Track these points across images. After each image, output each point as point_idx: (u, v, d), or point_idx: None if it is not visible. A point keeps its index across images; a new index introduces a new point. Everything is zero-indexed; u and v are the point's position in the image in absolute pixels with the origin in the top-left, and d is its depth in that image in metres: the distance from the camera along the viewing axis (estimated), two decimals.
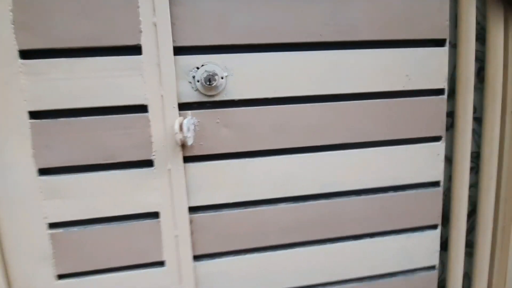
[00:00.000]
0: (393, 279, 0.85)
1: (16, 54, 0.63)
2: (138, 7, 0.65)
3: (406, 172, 0.81)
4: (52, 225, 0.69)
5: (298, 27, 0.71)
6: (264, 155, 0.74)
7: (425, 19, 0.76)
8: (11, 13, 0.62)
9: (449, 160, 0.86)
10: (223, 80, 0.69)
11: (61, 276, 0.71)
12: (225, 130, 0.72)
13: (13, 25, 0.62)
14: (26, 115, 0.64)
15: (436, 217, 0.86)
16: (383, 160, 0.79)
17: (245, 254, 0.77)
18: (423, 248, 0.86)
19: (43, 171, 0.67)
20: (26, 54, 0.63)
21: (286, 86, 0.72)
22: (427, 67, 0.78)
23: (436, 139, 0.82)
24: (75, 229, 0.70)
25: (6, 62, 0.63)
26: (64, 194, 0.68)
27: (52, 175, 0.67)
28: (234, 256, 0.77)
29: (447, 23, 0.77)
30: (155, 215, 0.72)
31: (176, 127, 0.62)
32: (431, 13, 0.76)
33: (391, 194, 0.81)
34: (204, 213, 0.74)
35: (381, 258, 0.84)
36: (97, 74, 0.66)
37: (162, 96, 0.67)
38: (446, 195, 0.88)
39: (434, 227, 0.86)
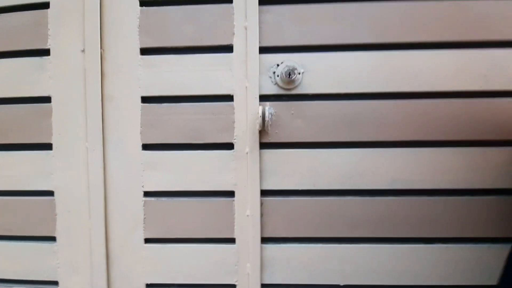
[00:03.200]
0: None
1: (138, 51, 0.79)
2: (233, 13, 0.78)
3: (485, 176, 0.77)
4: (146, 194, 0.81)
5: (369, 28, 0.77)
6: (334, 146, 0.78)
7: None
8: (138, 20, 0.79)
9: None
10: (299, 75, 0.77)
11: (147, 240, 0.81)
12: (298, 121, 0.78)
13: (138, 29, 0.79)
14: (139, 99, 0.80)
15: None
16: (459, 161, 0.77)
17: (309, 243, 0.80)
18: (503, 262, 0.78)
19: (145, 147, 0.80)
20: (144, 51, 0.80)
21: (357, 83, 0.77)
22: (507, 69, 0.76)
23: None
24: (163, 199, 0.81)
25: (130, 57, 0.79)
26: (159, 167, 0.80)
27: (152, 150, 0.80)
28: (298, 243, 0.80)
29: None
30: (231, 194, 0.79)
31: (260, 113, 0.71)
32: None
33: (467, 198, 0.77)
34: (274, 197, 0.79)
35: (455, 268, 0.78)
36: (196, 68, 0.79)
37: (246, 87, 0.78)
38: None
39: None
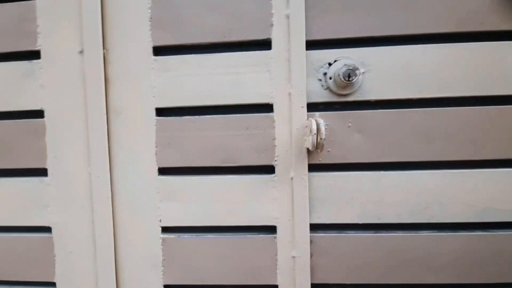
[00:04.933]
0: None
1: (150, 50, 0.63)
2: None
3: None
4: (165, 229, 0.65)
5: (453, 14, 0.59)
6: (404, 168, 0.61)
7: None
8: (149, 11, 0.62)
9: None
10: (359, 77, 0.60)
11: (167, 287, 0.65)
12: (357, 136, 0.61)
13: (150, 22, 0.63)
14: (153, 112, 0.63)
15: None
16: None
17: None
18: None
19: (162, 171, 0.64)
20: (158, 51, 0.63)
21: (435, 85, 0.59)
22: None
23: None
24: (186, 236, 0.64)
25: (141, 59, 0.63)
26: (180, 196, 0.64)
27: (170, 176, 0.64)
28: None
29: None
30: (271, 229, 0.63)
31: (314, 127, 0.54)
32: None
33: None
34: (327, 233, 0.62)
35: None
36: (224, 70, 0.62)
37: (290, 94, 0.60)
38: None
39: None
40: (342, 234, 0.62)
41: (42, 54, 0.65)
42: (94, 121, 0.63)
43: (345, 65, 0.57)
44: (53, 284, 0.67)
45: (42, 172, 0.66)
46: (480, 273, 0.61)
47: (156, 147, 0.63)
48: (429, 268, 0.62)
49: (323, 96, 0.61)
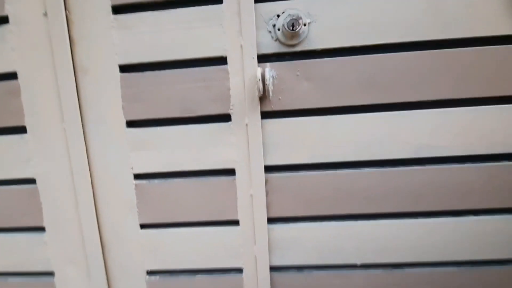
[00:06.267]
0: (502, 268, 0.71)
1: (109, 9, 0.66)
2: None
3: None
4: (137, 176, 0.72)
5: None
6: (349, 112, 0.66)
7: None
8: None
9: None
10: (305, 27, 0.64)
11: (143, 226, 0.74)
12: (305, 83, 0.66)
13: None
14: (117, 69, 0.68)
15: None
16: (496, 121, 0.65)
17: (322, 221, 0.71)
18: None
19: (130, 124, 0.70)
20: (117, 10, 0.67)
21: (377, 32, 0.63)
22: None
23: None
24: (156, 181, 0.72)
25: (101, 18, 0.66)
26: (148, 146, 0.70)
27: (137, 128, 0.70)
28: (310, 222, 0.72)
29: None
30: (231, 172, 0.70)
31: (259, 75, 0.59)
32: None
33: (505, 163, 0.66)
34: (280, 173, 0.70)
35: (487, 242, 0.70)
36: (180, 25, 0.66)
37: (241, 46, 0.65)
38: None
39: None
40: (294, 174, 0.70)
41: (10, 18, 0.68)
42: (63, 80, 0.68)
43: (289, 15, 0.61)
44: (43, 228, 0.76)
45: (21, 129, 0.72)
46: (418, 203, 0.69)
47: (122, 102, 0.69)
48: (373, 200, 0.70)
49: (273, 47, 0.66)
